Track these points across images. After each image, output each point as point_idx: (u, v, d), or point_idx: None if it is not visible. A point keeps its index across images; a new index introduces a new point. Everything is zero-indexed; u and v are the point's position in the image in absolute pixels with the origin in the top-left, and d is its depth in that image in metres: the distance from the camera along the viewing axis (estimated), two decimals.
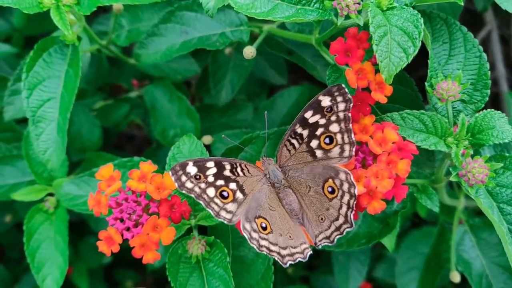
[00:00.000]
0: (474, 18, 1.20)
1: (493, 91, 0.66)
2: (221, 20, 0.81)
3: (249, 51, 0.73)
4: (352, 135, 0.59)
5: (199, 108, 1.00)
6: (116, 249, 0.61)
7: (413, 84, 0.70)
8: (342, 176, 0.60)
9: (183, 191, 0.59)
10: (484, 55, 0.67)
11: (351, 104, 0.59)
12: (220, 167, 0.60)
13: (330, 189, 0.60)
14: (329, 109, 0.59)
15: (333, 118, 0.60)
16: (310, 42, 0.72)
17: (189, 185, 0.59)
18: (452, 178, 0.62)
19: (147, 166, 0.63)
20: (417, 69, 0.76)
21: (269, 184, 0.62)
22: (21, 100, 0.77)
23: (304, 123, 0.61)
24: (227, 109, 1.05)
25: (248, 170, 0.62)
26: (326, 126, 0.60)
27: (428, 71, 0.66)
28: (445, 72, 0.67)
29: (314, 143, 0.61)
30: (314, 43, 0.71)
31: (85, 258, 1.15)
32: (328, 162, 0.61)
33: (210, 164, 0.60)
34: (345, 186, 0.59)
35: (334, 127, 0.60)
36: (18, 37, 1.11)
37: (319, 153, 0.61)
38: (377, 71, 0.60)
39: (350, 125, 0.59)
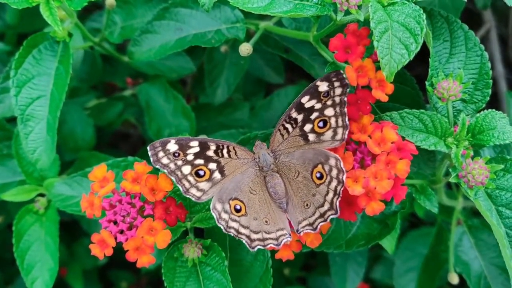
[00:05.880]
0: (472, 16, 1.19)
1: (492, 91, 0.65)
2: (216, 17, 0.80)
3: (245, 48, 0.72)
4: (346, 119, 0.60)
5: (194, 107, 0.99)
6: (109, 252, 0.60)
7: (413, 82, 0.69)
8: (332, 161, 0.59)
9: (157, 166, 0.60)
10: (486, 54, 0.66)
11: (348, 89, 0.59)
12: (204, 147, 0.61)
13: (318, 175, 0.60)
14: (326, 93, 0.60)
15: (329, 102, 0.60)
16: (308, 40, 0.71)
17: (165, 161, 0.60)
18: (452, 179, 0.61)
19: (141, 167, 0.62)
20: (412, 68, 0.74)
21: (257, 168, 0.62)
22: (11, 98, 0.75)
23: (300, 107, 0.61)
24: (223, 108, 1.03)
25: (235, 153, 0.62)
26: (321, 110, 0.60)
27: (429, 70, 0.65)
28: (446, 71, 0.66)
29: (307, 127, 0.61)
30: (312, 41, 0.70)
31: (80, 259, 1.14)
32: (320, 145, 0.61)
33: (194, 143, 0.61)
34: (334, 172, 0.59)
35: (329, 111, 0.60)
36: (11, 34, 1.09)
37: (311, 136, 0.61)
38: (377, 68, 0.58)
39: (345, 109, 0.60)
